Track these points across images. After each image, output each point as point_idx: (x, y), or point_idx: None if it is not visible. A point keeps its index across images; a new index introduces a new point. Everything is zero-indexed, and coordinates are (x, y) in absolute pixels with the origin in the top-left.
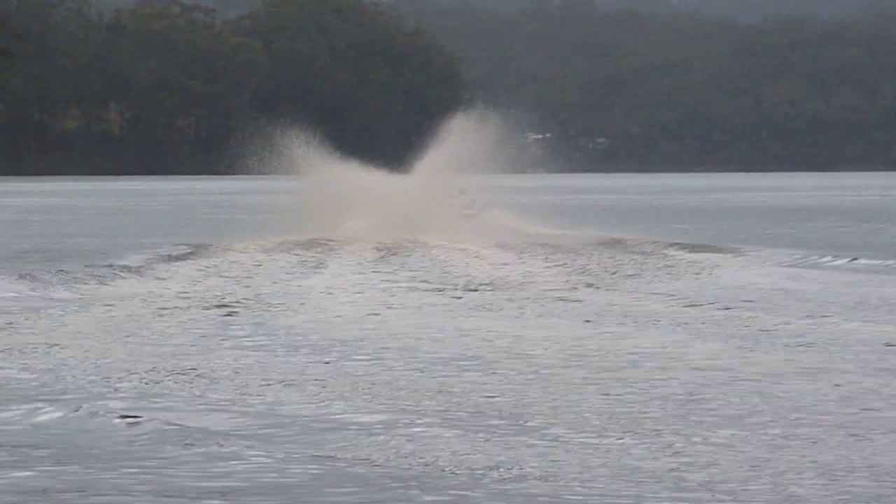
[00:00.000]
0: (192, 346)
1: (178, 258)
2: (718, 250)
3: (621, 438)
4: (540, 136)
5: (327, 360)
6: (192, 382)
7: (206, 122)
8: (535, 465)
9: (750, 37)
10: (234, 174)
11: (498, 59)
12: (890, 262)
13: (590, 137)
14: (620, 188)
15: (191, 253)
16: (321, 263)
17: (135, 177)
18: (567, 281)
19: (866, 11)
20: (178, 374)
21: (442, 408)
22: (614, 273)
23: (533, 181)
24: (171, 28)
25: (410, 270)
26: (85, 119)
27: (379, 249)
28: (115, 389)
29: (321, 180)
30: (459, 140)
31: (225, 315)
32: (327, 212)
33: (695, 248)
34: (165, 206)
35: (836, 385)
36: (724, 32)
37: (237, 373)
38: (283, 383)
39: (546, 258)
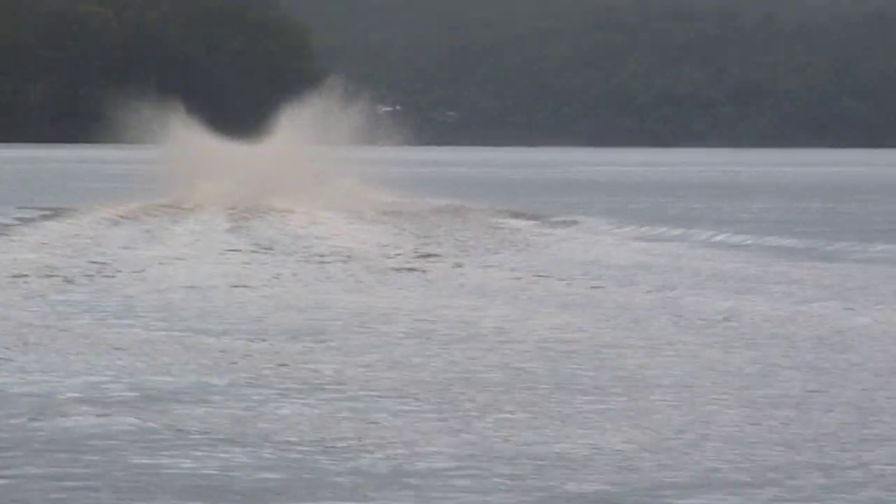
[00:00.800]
0: (21, 311)
1: (32, 221)
2: (565, 223)
3: (459, 411)
4: (390, 109)
5: (155, 327)
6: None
7: (55, 89)
8: (373, 435)
9: (601, 13)
10: (85, 142)
11: (350, 29)
12: (736, 237)
13: (441, 110)
14: (468, 161)
15: (46, 216)
16: (171, 228)
17: None
18: (415, 251)
19: None
20: None
21: (278, 378)
22: (463, 244)
23: (382, 153)
24: None
25: (257, 238)
26: None
27: (232, 215)
28: None
29: (178, 148)
30: (310, 111)
31: (63, 283)
32: (185, 178)
33: (533, 218)
34: (19, 172)
35: (677, 356)
36: (577, 7)
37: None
38: (114, 348)
39: (394, 226)
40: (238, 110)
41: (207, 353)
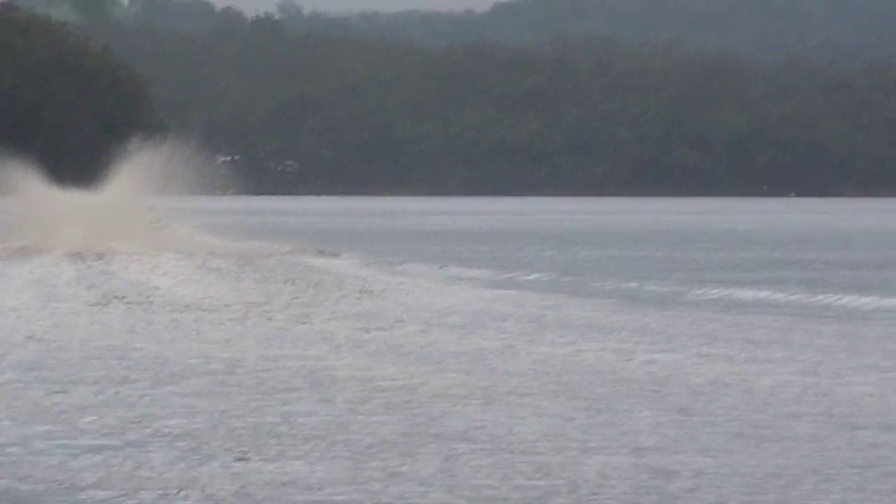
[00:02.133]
0: None
1: None
2: (399, 271)
3: (272, 459)
4: (229, 158)
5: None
6: None
7: None
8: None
9: (438, 62)
10: None
11: (187, 80)
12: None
13: (279, 160)
14: (306, 210)
15: None
16: (10, 273)
17: None
18: (249, 302)
19: (551, 38)
20: None
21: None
22: (297, 294)
23: (219, 203)
24: None
25: (88, 283)
26: None
27: (68, 260)
28: None
29: (19, 198)
30: (148, 161)
31: None
32: (27, 226)
33: (369, 264)
34: None
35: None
36: (412, 57)
37: None
38: None
39: (228, 275)
40: (74, 161)
41: None
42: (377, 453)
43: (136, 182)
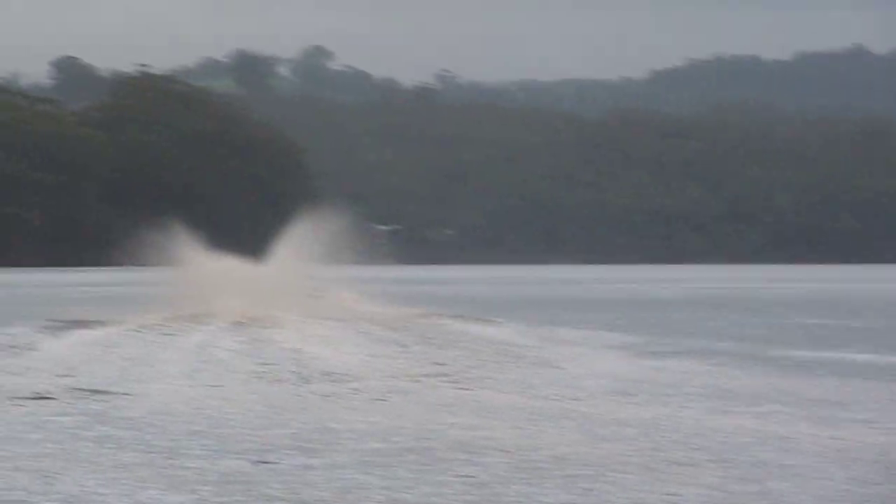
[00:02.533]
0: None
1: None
2: (565, 341)
3: None
4: (387, 228)
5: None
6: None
7: (52, 213)
8: None
9: (594, 129)
10: (85, 265)
11: (345, 150)
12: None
13: (437, 229)
14: (464, 278)
15: (76, 326)
16: (181, 340)
17: None
18: (417, 372)
19: (709, 107)
20: None
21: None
22: (469, 363)
23: (378, 272)
24: (17, 119)
25: (249, 352)
26: None
27: (230, 329)
28: None
29: (186, 269)
30: (308, 231)
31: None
32: (195, 295)
33: (537, 336)
34: (32, 294)
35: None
36: (568, 125)
37: None
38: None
39: (388, 343)
40: (233, 230)
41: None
42: None
43: (296, 252)
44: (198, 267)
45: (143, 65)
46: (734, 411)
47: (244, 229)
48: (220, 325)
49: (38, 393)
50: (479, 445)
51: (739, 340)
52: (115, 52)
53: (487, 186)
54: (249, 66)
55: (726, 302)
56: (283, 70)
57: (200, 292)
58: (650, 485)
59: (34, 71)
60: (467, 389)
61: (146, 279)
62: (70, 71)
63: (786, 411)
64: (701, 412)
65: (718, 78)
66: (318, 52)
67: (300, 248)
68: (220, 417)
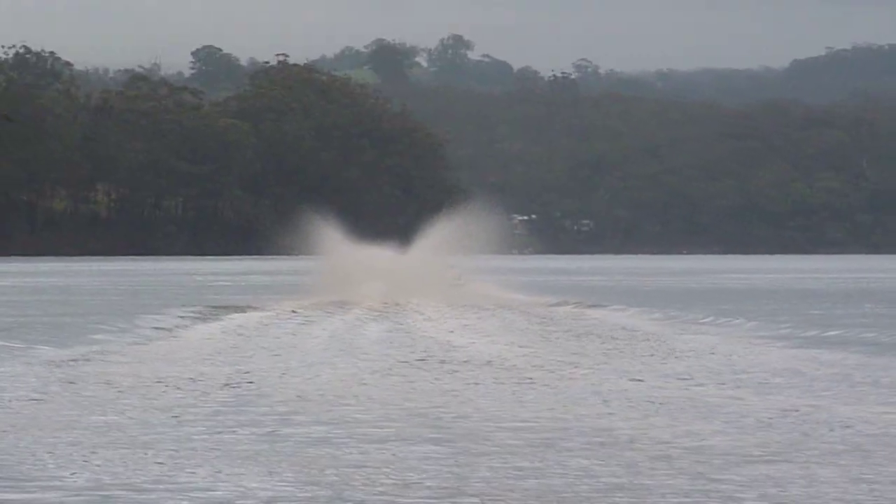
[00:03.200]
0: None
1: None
2: (708, 327)
3: None
4: (525, 218)
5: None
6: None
7: (193, 202)
8: None
9: (735, 120)
10: (226, 254)
11: (483, 140)
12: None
13: (574, 219)
14: (602, 269)
15: (237, 311)
16: (325, 321)
17: (123, 257)
18: (560, 360)
19: (849, 96)
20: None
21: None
22: (604, 352)
23: (516, 262)
24: (159, 109)
25: (390, 338)
26: (73, 200)
27: (372, 316)
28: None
29: (334, 257)
30: (448, 221)
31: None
32: (343, 281)
33: (673, 323)
34: (183, 281)
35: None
36: (708, 115)
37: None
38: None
39: (524, 332)
40: (374, 220)
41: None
42: None
43: (437, 241)
44: (341, 255)
45: (283, 54)
46: (869, 402)
47: (384, 219)
48: (362, 312)
49: (194, 377)
50: (616, 435)
51: (878, 329)
52: (255, 42)
53: (626, 177)
54: (389, 56)
55: (866, 292)
56: (422, 60)
57: (344, 280)
58: (787, 474)
59: (175, 61)
60: (604, 381)
61: (294, 268)
62: (210, 60)
63: None
64: (839, 403)
65: (859, 67)
66: (458, 42)
67: (440, 239)
68: (361, 404)
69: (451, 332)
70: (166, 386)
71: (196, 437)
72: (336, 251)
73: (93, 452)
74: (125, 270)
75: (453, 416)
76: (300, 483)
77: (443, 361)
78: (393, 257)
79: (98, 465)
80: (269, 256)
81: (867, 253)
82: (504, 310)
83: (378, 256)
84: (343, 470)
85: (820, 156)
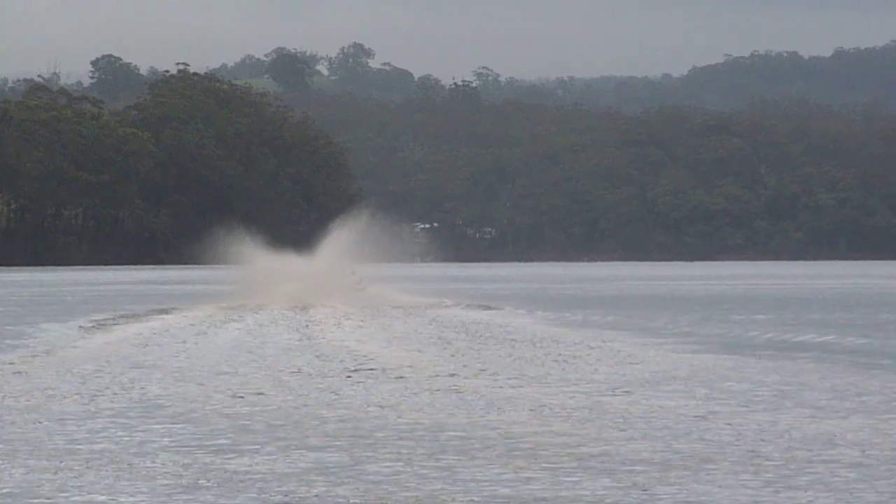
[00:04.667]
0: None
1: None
2: (582, 330)
3: None
4: (427, 226)
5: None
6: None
7: (93, 212)
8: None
9: (634, 127)
10: (125, 264)
11: (385, 148)
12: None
13: (477, 227)
14: (502, 277)
15: (159, 313)
16: (236, 321)
17: (23, 268)
18: (463, 366)
19: (748, 103)
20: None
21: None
22: (485, 356)
23: (417, 269)
24: (59, 119)
25: (297, 338)
26: None
27: (281, 316)
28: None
29: (250, 264)
30: (351, 229)
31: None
32: (255, 286)
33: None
34: (86, 292)
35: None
36: (608, 122)
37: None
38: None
39: (435, 339)
40: (273, 228)
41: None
42: None
43: (339, 248)
44: (254, 263)
45: (184, 63)
46: (769, 409)
47: (286, 227)
48: (272, 313)
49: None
50: (520, 442)
51: (788, 334)
52: (155, 51)
53: (528, 184)
54: (289, 65)
55: (772, 299)
56: (322, 68)
57: (256, 285)
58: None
59: (74, 70)
60: (500, 387)
61: (205, 276)
62: (110, 70)
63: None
64: (738, 409)
65: (758, 74)
66: (358, 51)
67: (343, 246)
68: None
69: (348, 332)
70: (54, 392)
71: (80, 444)
72: (248, 259)
73: None
74: (25, 281)
75: (338, 417)
76: (176, 489)
77: (342, 360)
78: (300, 264)
79: None
80: (172, 266)
81: (765, 259)
82: (399, 312)
83: (288, 263)
84: (226, 476)
85: (719, 162)
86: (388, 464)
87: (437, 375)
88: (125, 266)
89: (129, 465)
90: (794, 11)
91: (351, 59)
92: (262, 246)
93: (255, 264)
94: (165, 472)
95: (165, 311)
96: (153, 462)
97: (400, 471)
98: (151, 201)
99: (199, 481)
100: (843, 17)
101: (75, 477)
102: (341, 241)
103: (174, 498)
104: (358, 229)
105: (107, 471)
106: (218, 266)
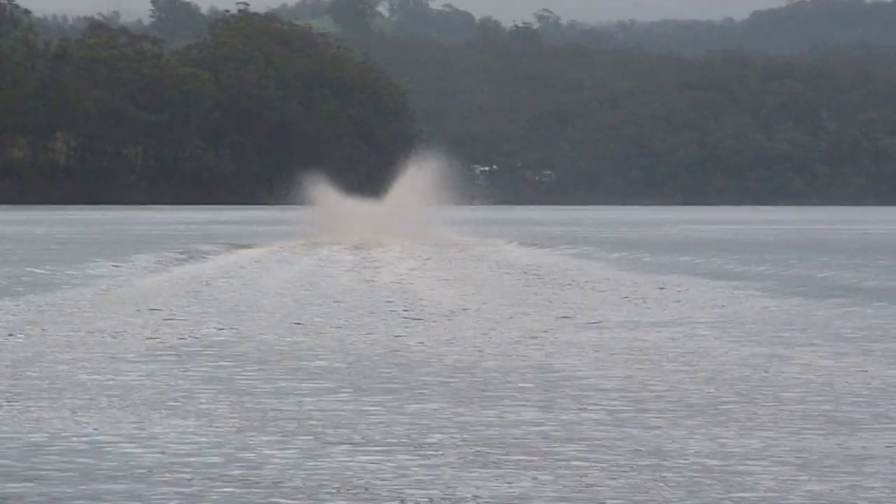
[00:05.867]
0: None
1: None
2: (648, 274)
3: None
4: (487, 169)
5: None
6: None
7: (153, 151)
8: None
9: (695, 71)
10: (186, 204)
11: (445, 91)
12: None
13: (536, 170)
14: (565, 220)
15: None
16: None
17: (82, 206)
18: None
19: (810, 48)
20: None
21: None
22: (551, 297)
23: (476, 212)
24: (118, 57)
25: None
26: (31, 149)
27: (349, 252)
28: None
29: (317, 206)
30: (425, 172)
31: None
32: (325, 226)
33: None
34: (169, 229)
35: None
36: (669, 66)
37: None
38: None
39: (485, 277)
40: (333, 170)
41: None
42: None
43: (407, 194)
44: (326, 205)
45: (244, 3)
46: (830, 352)
47: (347, 169)
48: (341, 249)
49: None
50: (571, 383)
51: (843, 282)
52: None
53: (587, 128)
54: (349, 6)
55: (834, 244)
56: (383, 10)
57: (328, 224)
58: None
59: (135, 8)
60: (558, 329)
61: (266, 217)
62: (170, 8)
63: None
64: (798, 354)
65: (820, 19)
66: None
67: (408, 191)
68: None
69: (408, 270)
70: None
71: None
72: (323, 202)
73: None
74: (86, 220)
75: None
76: (238, 430)
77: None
78: (365, 207)
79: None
80: (232, 206)
81: (825, 204)
82: (455, 248)
83: (354, 206)
84: (289, 422)
85: (780, 107)
86: (438, 404)
87: (512, 317)
88: (184, 206)
89: (182, 405)
90: None
91: (411, 1)
92: (332, 188)
93: (327, 206)
94: (222, 415)
95: (246, 246)
96: (213, 403)
97: (454, 412)
98: (211, 142)
99: (254, 423)
100: None
101: (120, 418)
102: (415, 184)
103: (230, 438)
104: (431, 172)
105: (160, 411)
106: (284, 207)
